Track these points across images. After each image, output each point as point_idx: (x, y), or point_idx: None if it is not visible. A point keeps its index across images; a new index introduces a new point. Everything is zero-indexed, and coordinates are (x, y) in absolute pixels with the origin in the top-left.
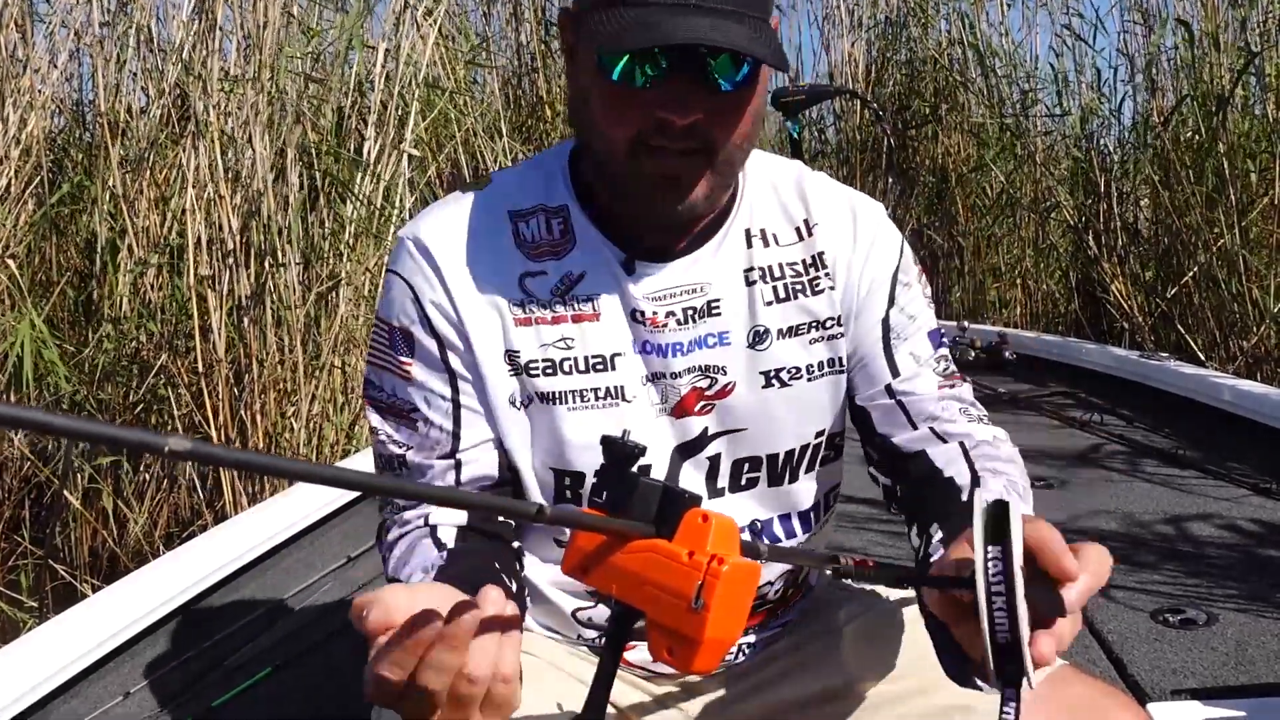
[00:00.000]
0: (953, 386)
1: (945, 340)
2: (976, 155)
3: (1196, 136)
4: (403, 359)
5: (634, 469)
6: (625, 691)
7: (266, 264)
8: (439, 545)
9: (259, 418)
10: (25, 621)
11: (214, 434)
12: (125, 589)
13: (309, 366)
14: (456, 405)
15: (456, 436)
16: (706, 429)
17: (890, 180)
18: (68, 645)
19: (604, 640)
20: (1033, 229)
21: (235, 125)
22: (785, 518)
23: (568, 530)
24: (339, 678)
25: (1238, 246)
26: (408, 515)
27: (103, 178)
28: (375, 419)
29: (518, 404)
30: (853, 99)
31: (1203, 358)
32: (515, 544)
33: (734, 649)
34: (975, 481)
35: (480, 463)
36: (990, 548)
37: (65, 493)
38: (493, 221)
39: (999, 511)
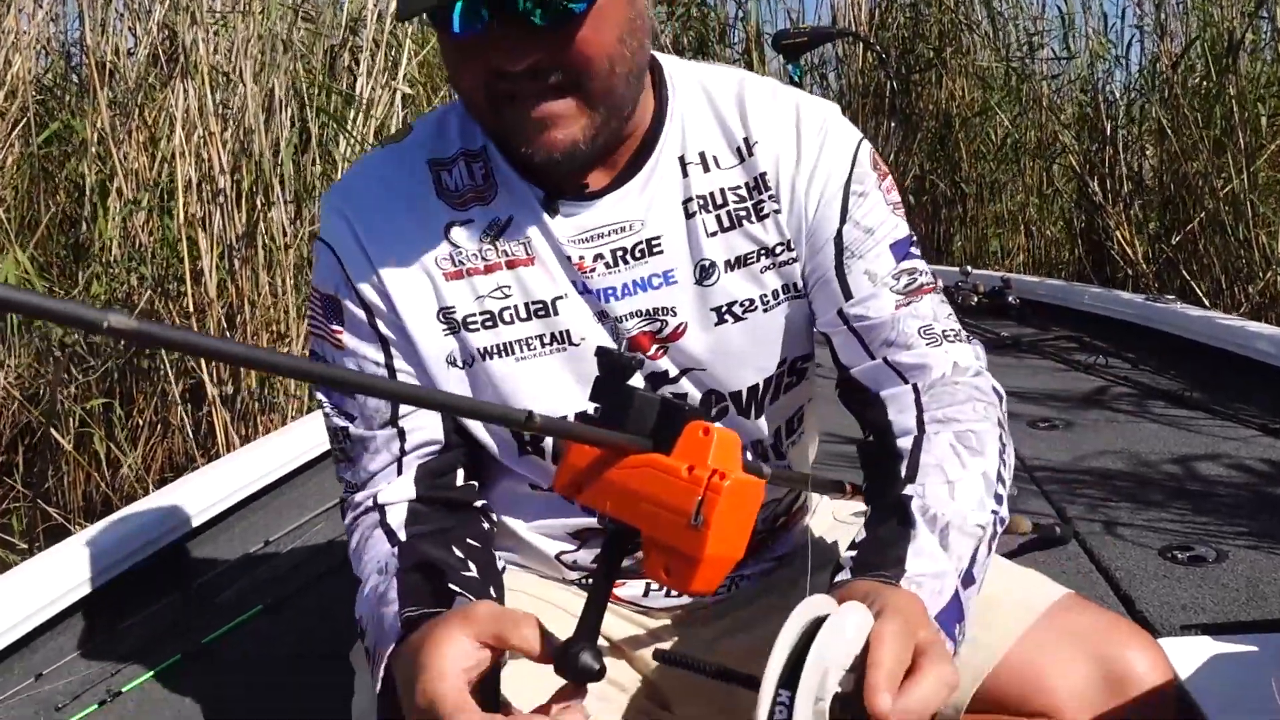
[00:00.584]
0: (911, 303)
1: (915, 251)
2: (981, 100)
3: (1205, 82)
4: (334, 327)
5: (629, 382)
6: (617, 625)
7: (258, 204)
8: (390, 536)
9: None
10: (16, 564)
11: (206, 378)
12: (114, 526)
13: (301, 308)
14: (391, 371)
15: (395, 403)
16: (667, 371)
17: (893, 125)
18: (55, 581)
19: (597, 560)
20: (1037, 175)
21: (224, 62)
22: (756, 444)
23: (542, 473)
24: (328, 617)
25: (1246, 192)
26: (358, 498)
27: (91, 120)
28: (321, 392)
29: (458, 363)
30: (855, 42)
31: (1207, 304)
32: (479, 503)
33: (727, 580)
34: (918, 442)
35: (425, 429)
36: (781, 692)
37: (55, 435)
38: (413, 174)
39: (805, 641)
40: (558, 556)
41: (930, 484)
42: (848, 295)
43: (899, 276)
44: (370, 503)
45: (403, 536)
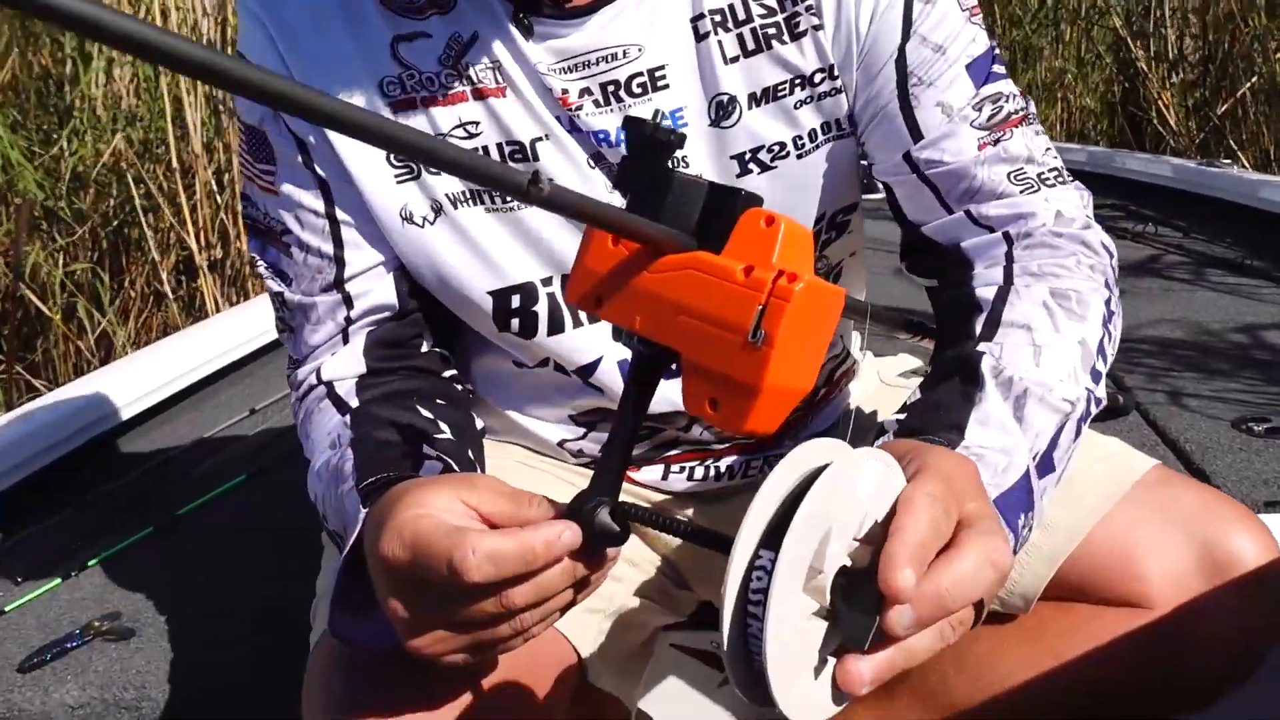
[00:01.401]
0: (998, 139)
1: (999, 69)
2: None
3: None
4: (262, 167)
5: (669, 162)
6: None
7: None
8: (340, 405)
9: (240, 220)
10: None
11: (194, 244)
12: (84, 390)
13: None
14: (334, 222)
15: (340, 261)
16: None
17: None
18: (18, 447)
19: (623, 394)
20: (1076, 41)
21: None
22: None
23: (527, 352)
24: None
25: None
26: (301, 375)
27: None
28: (254, 247)
29: (415, 219)
30: None
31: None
32: (449, 373)
33: (759, 459)
34: (1003, 295)
35: (375, 292)
36: (764, 552)
37: (31, 296)
38: None
39: (799, 489)
40: (560, 444)
41: (1011, 344)
42: (916, 135)
43: (980, 106)
44: (314, 379)
45: (355, 403)
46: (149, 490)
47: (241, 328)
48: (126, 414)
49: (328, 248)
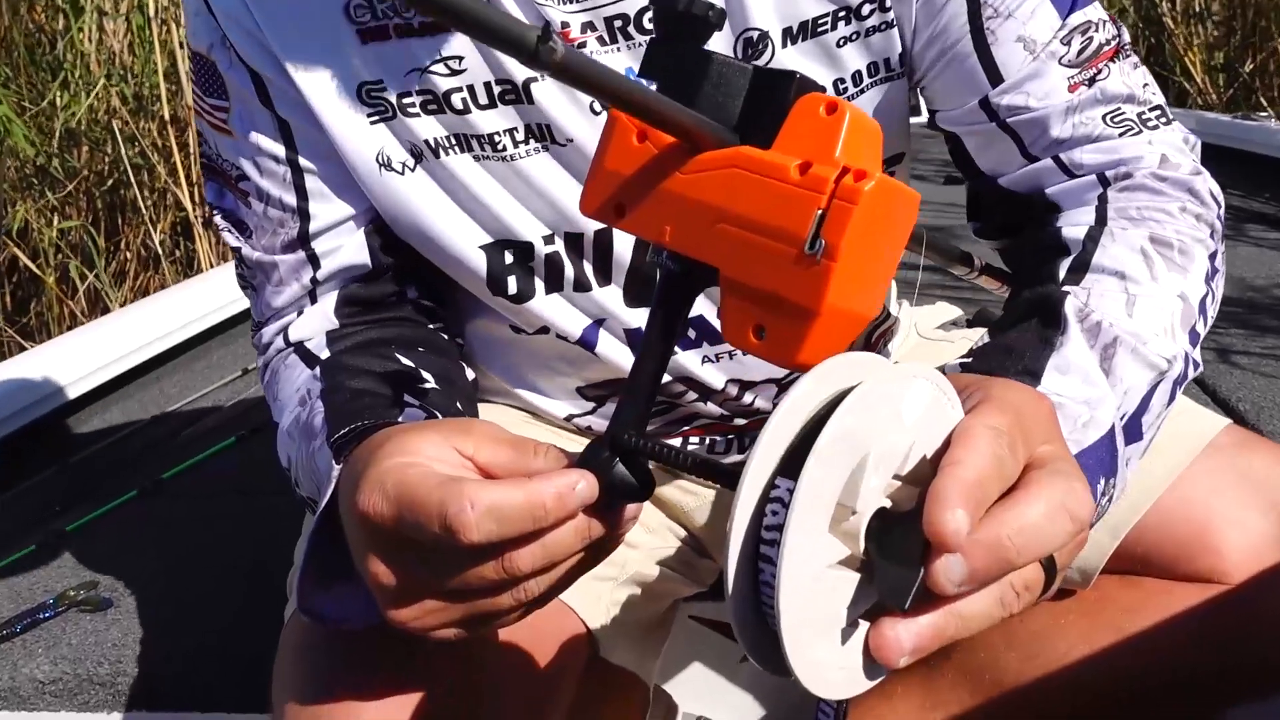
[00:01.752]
0: (1092, 76)
1: None
2: None
3: None
4: (213, 101)
5: (704, 45)
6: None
7: None
8: (310, 358)
9: None
10: None
11: (188, 201)
12: (70, 343)
13: None
14: (296, 169)
15: (304, 214)
16: None
17: None
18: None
19: (649, 321)
20: None
21: None
22: None
23: (524, 318)
24: None
25: None
26: (265, 337)
27: None
28: (210, 192)
29: (394, 165)
30: None
31: None
32: (433, 325)
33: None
34: (1095, 236)
35: (344, 250)
36: (781, 481)
37: (20, 254)
38: None
39: (827, 407)
40: (568, 419)
41: (1101, 290)
42: (995, 78)
43: (1069, 39)
44: (281, 341)
45: (325, 354)
46: (133, 452)
47: (235, 284)
48: (112, 372)
49: (289, 198)
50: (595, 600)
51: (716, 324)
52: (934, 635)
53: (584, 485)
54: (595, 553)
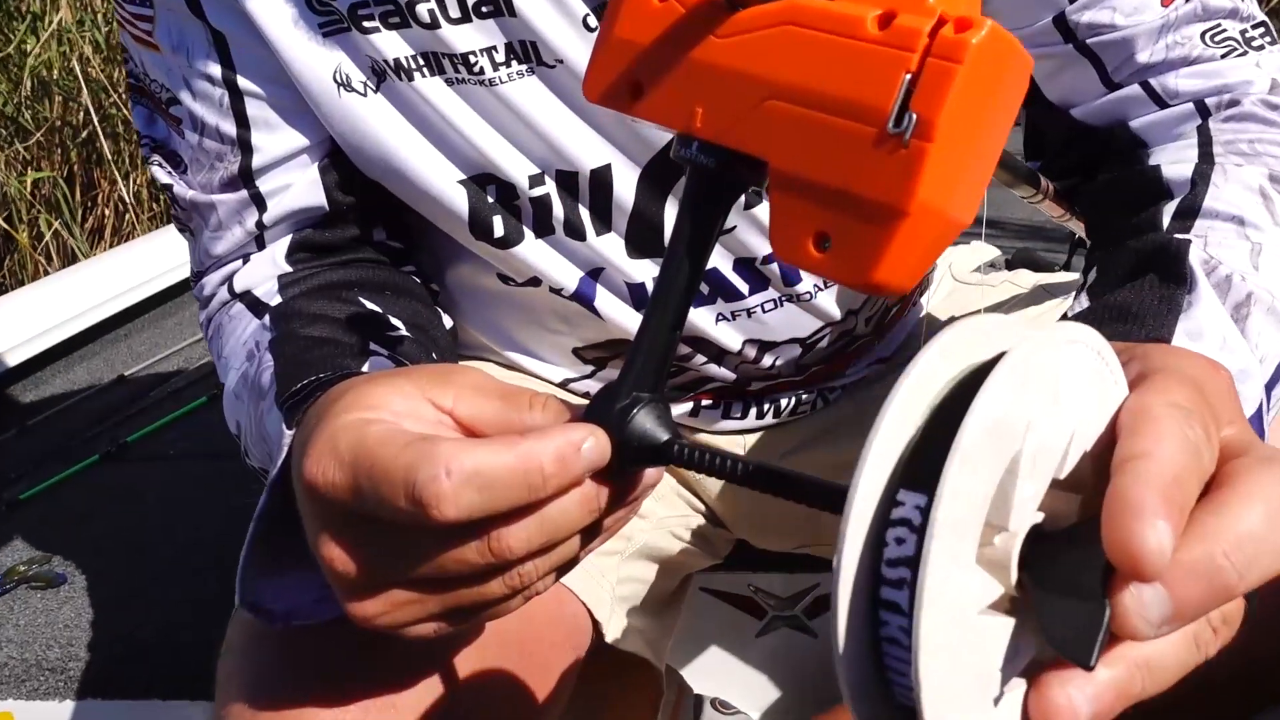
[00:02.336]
0: None
1: None
2: None
3: None
4: (134, 9)
5: None
6: None
7: None
8: (259, 307)
9: None
10: None
11: None
12: (29, 296)
13: None
14: (235, 92)
15: (245, 146)
16: None
17: None
18: None
19: (675, 233)
20: None
21: None
22: None
23: (511, 265)
24: None
25: None
26: (207, 287)
27: None
28: (139, 118)
29: (354, 85)
30: None
31: None
32: (405, 268)
33: (812, 392)
34: (1203, 174)
35: (296, 190)
36: (906, 495)
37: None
38: None
39: (960, 390)
40: (564, 386)
41: (1218, 236)
42: None
43: None
44: (225, 292)
45: (277, 300)
46: (97, 414)
47: None
48: (75, 328)
49: (228, 127)
50: (599, 580)
51: (733, 279)
52: (1117, 696)
53: (592, 444)
54: (598, 530)
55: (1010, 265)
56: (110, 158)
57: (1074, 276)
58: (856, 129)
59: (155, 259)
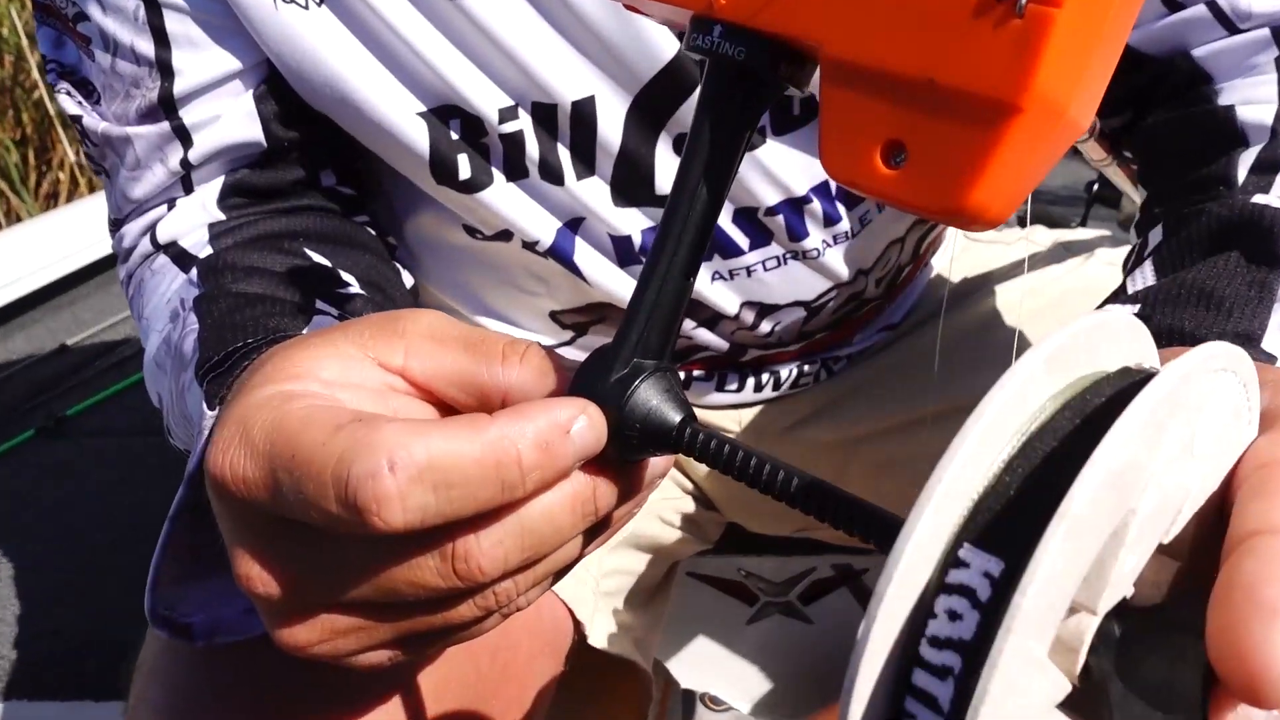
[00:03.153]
0: None
1: None
2: None
3: None
4: None
5: None
6: None
7: None
8: (185, 259)
9: None
10: None
11: None
12: None
13: None
14: (153, 6)
15: (166, 69)
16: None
17: None
18: None
19: (688, 152)
20: None
21: None
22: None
23: (480, 216)
24: None
25: None
26: (127, 239)
27: None
28: (44, 40)
29: None
30: None
31: None
32: (359, 218)
33: (817, 360)
34: None
35: (227, 122)
36: (973, 552)
37: None
38: None
39: (1069, 416)
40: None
41: None
42: None
43: None
44: (147, 244)
45: (207, 252)
46: (35, 386)
47: None
48: (13, 294)
49: (145, 46)
50: (581, 575)
51: (732, 232)
52: None
53: (584, 425)
54: (596, 532)
55: (1023, 222)
56: (61, 120)
57: (1094, 233)
58: (949, 5)
59: (101, 221)
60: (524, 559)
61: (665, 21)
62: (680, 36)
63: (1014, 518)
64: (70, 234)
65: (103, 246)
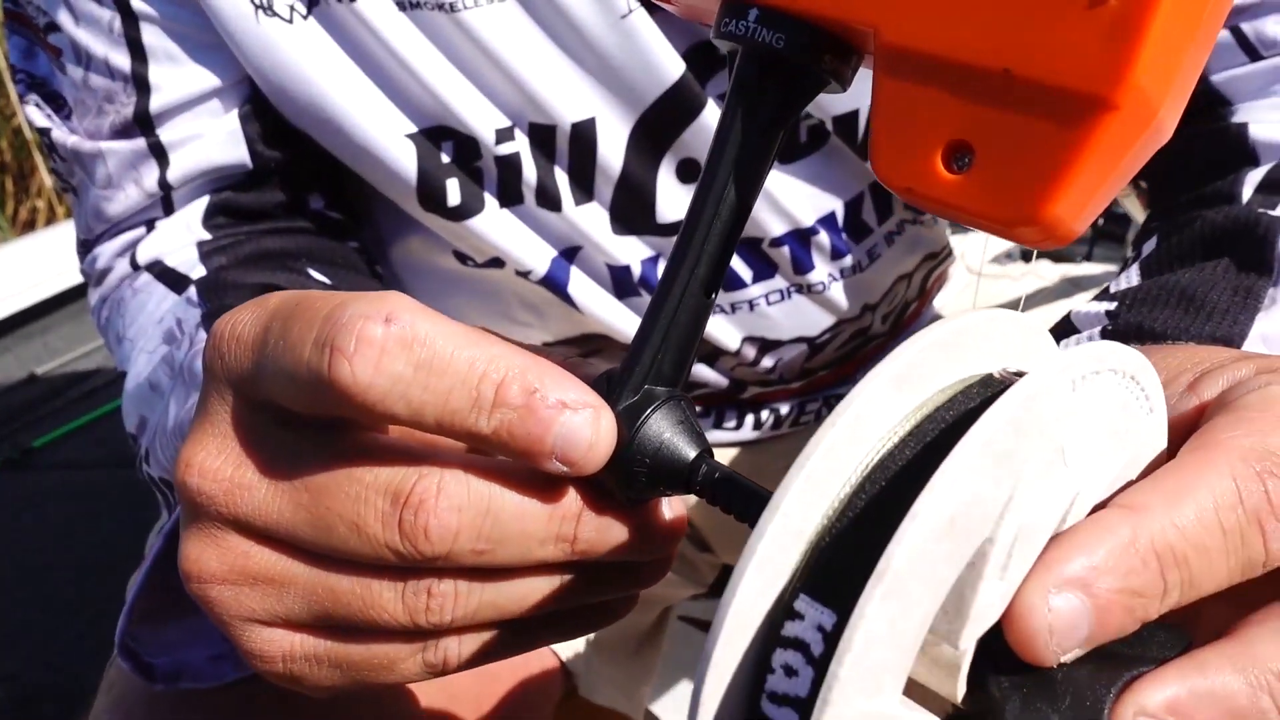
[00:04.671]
0: None
1: None
2: None
3: None
4: None
5: None
6: None
7: None
8: (175, 279)
9: None
10: None
11: None
12: None
13: None
14: (128, 15)
15: (142, 84)
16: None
17: None
18: None
19: (711, 156)
20: None
21: None
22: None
23: (470, 243)
24: None
25: None
26: (100, 261)
27: None
28: (15, 52)
29: (276, 9)
30: None
31: None
32: (351, 242)
33: (817, 399)
34: None
35: (208, 143)
36: (807, 603)
37: None
38: None
39: (917, 442)
40: None
41: None
42: None
43: None
44: (125, 265)
45: (200, 272)
46: (1, 415)
47: None
48: None
49: (120, 59)
50: None
51: (734, 263)
52: None
53: (587, 416)
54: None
55: (1027, 256)
56: (39, 146)
57: (1100, 268)
58: None
59: (68, 250)
60: (476, 549)
61: (689, 11)
62: (685, 52)
63: (846, 566)
64: (43, 260)
65: (77, 274)
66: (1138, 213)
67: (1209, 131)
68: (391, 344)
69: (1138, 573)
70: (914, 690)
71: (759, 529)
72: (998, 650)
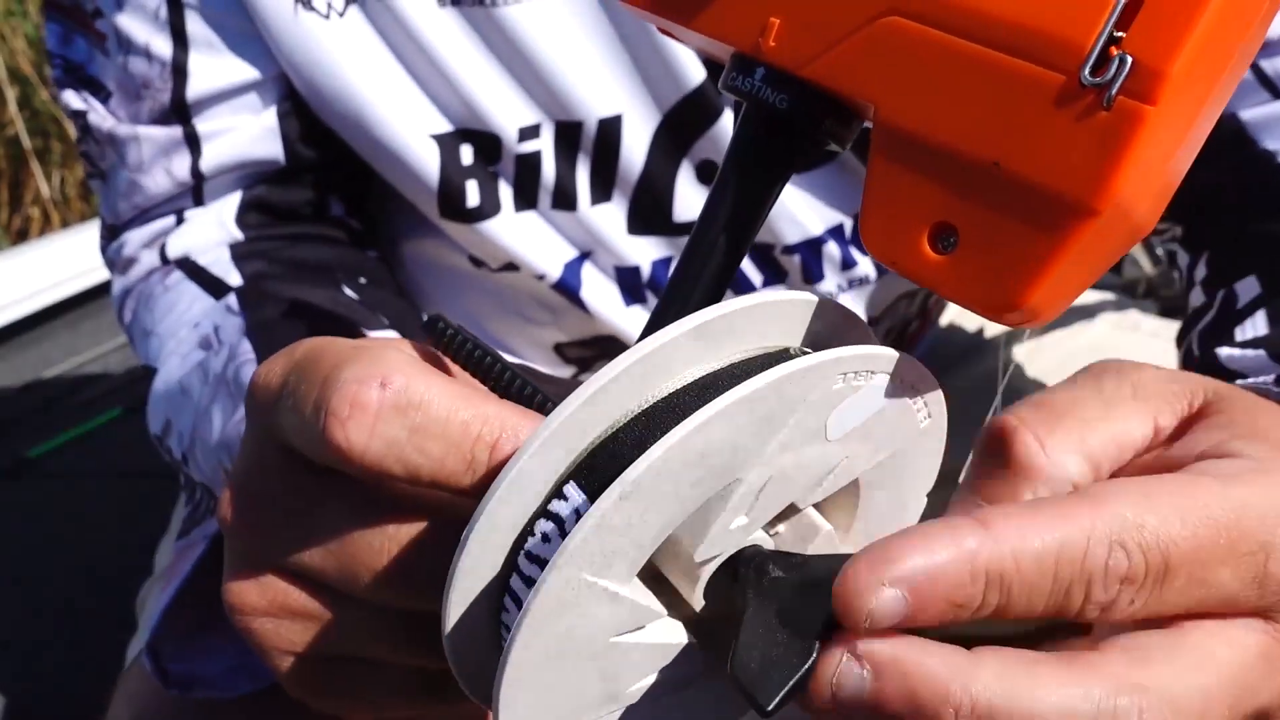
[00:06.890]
0: None
1: None
2: None
3: None
4: None
5: None
6: None
7: None
8: (212, 284)
9: None
10: None
11: None
12: None
13: None
14: (175, 3)
15: (180, 71)
16: None
17: None
18: None
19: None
20: None
21: None
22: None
23: (484, 248)
24: None
25: None
26: (127, 249)
27: None
28: (53, 37)
29: (314, 3)
30: None
31: None
32: (370, 253)
33: None
34: None
35: (241, 135)
36: (574, 489)
37: None
38: None
39: (676, 412)
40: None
41: None
42: None
43: None
44: (154, 257)
45: (236, 280)
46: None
47: None
48: None
49: (161, 45)
50: None
51: (746, 267)
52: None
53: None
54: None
55: None
56: (35, 155)
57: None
58: (1029, 73)
59: (78, 254)
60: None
61: (702, 52)
62: (706, 63)
63: (609, 467)
64: (38, 270)
65: (75, 283)
66: (1141, 254)
67: (1238, 163)
68: (386, 409)
69: (964, 588)
70: (669, 592)
71: (551, 419)
72: (758, 589)
